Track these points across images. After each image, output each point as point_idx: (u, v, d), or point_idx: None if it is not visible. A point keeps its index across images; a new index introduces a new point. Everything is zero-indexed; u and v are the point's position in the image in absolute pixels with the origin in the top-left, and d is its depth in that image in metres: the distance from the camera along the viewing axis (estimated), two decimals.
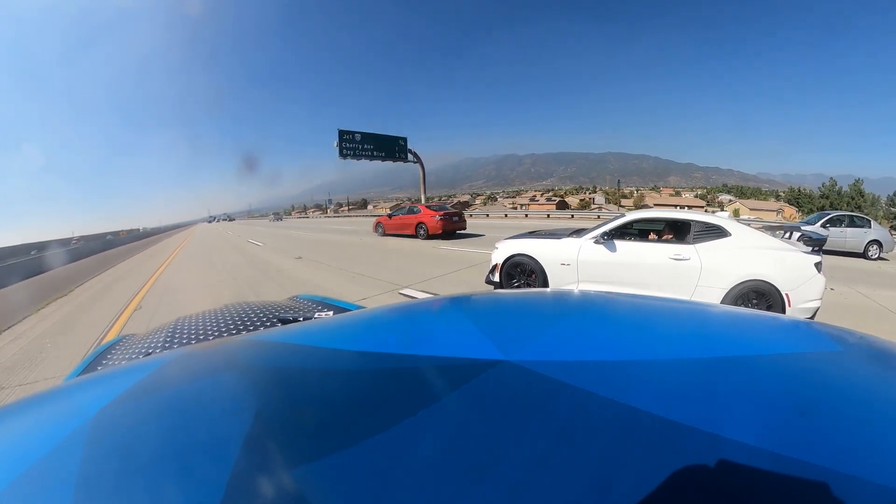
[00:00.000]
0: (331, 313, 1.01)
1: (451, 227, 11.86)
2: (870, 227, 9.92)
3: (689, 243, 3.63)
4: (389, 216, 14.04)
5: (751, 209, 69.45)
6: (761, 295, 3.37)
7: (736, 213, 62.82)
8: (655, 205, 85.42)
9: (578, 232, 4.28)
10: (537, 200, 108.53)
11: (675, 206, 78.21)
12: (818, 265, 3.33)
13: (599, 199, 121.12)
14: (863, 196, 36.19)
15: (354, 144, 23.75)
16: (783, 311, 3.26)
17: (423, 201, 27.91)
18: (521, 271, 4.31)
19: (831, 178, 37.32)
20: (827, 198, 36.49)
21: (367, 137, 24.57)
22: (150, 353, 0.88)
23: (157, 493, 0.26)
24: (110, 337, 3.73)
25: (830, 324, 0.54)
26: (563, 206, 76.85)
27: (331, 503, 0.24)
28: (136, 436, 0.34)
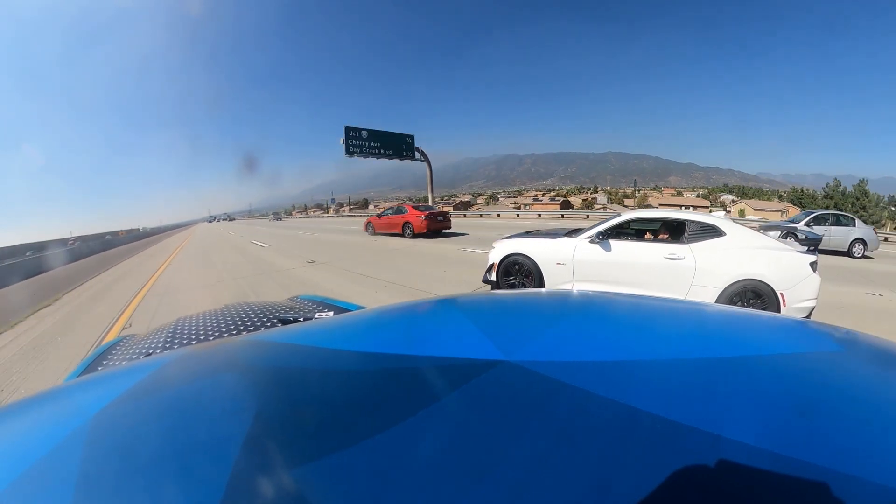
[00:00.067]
0: (331, 314, 1.02)
1: (436, 227, 12.52)
2: (854, 225, 10.05)
3: (683, 243, 3.64)
4: (379, 216, 14.56)
5: (755, 209, 68.88)
6: (756, 294, 3.36)
7: (741, 214, 62.03)
8: (660, 205, 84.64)
9: (574, 232, 4.29)
10: (541, 200, 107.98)
11: (681, 206, 77.47)
12: (813, 265, 3.32)
13: (602, 199, 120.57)
14: (867, 196, 35.51)
15: (361, 142, 23.07)
16: (778, 311, 3.25)
17: (430, 200, 27.19)
18: (518, 270, 4.35)
19: (835, 179, 36.94)
20: (831, 198, 35.95)
21: (374, 135, 23.88)
22: (150, 354, 0.88)
23: (158, 494, 0.26)
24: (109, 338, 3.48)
25: (830, 324, 0.54)
26: (566, 205, 76.33)
27: (331, 503, 0.24)
28: (136, 436, 0.34)
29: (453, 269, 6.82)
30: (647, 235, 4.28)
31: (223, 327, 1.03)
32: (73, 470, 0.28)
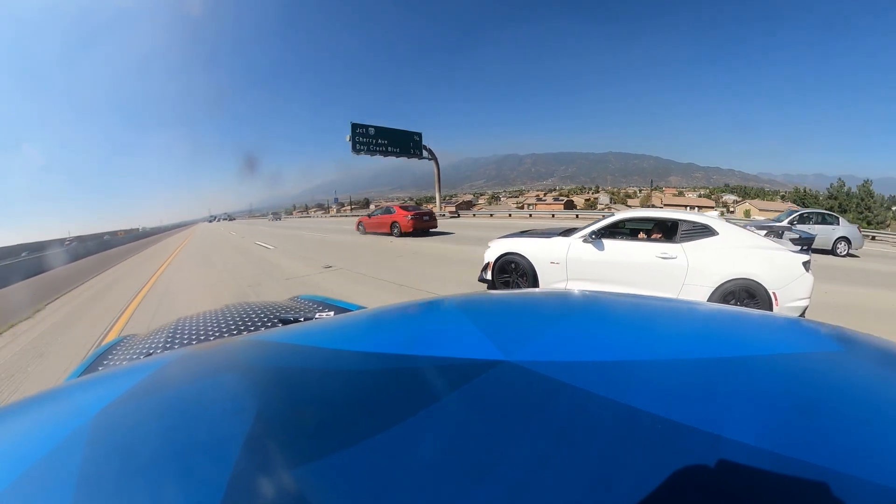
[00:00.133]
0: (331, 314, 1.02)
1: (422, 226, 13.05)
2: (838, 224, 10.24)
3: (676, 242, 3.66)
4: (369, 216, 15.14)
5: (759, 209, 68.17)
6: (749, 293, 3.37)
7: (747, 214, 61.38)
8: (666, 205, 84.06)
9: (569, 231, 4.34)
10: (544, 200, 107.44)
11: (686, 206, 76.84)
12: (806, 264, 3.32)
13: (605, 199, 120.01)
14: (872, 197, 34.90)
15: (368, 139, 22.39)
16: (770, 310, 3.25)
17: (437, 199, 26.51)
18: (512, 269, 4.40)
19: (839, 179, 36.36)
20: (835, 198, 35.46)
21: (381, 132, 23.22)
22: (150, 354, 0.88)
23: (158, 494, 0.26)
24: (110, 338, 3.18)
25: (830, 323, 0.54)
26: (570, 205, 75.95)
27: (331, 503, 0.24)
28: (136, 436, 0.34)
29: (457, 268, 6.65)
30: (641, 235, 4.30)
31: (223, 327, 1.04)
32: (73, 470, 0.28)
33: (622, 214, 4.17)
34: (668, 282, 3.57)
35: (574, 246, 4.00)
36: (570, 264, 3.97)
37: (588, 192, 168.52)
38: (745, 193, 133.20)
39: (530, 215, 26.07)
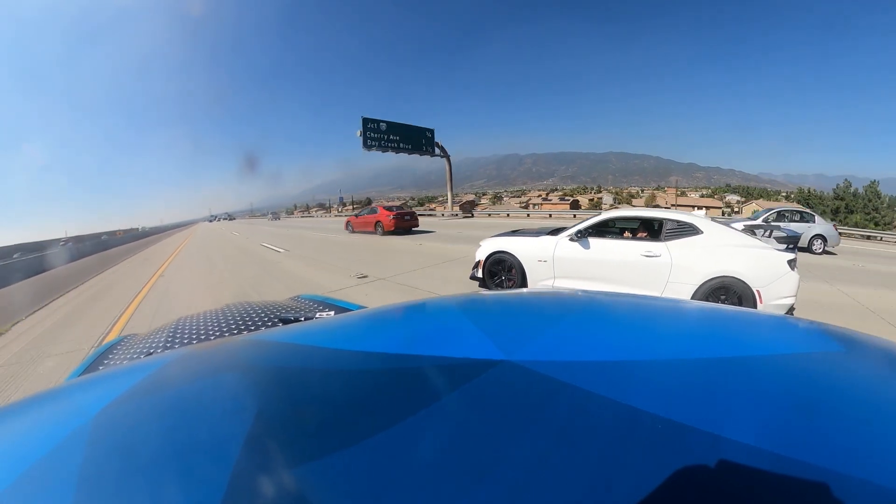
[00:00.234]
0: (332, 313, 1.02)
1: (403, 225, 13.70)
2: (814, 222, 10.42)
3: (660, 241, 3.69)
4: (357, 216, 15.87)
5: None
6: (732, 291, 3.38)
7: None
8: (672, 205, 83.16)
9: (557, 231, 4.37)
10: (549, 200, 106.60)
11: (693, 207, 75.87)
12: (792, 262, 3.33)
13: (608, 199, 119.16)
14: (879, 197, 33.92)
15: (379, 134, 21.35)
16: (754, 307, 3.24)
17: (449, 197, 25.44)
18: (503, 268, 4.48)
19: (846, 180, 35.74)
20: (842, 199, 34.60)
21: (393, 127, 22.20)
22: (151, 353, 0.88)
23: (159, 493, 0.26)
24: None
25: (830, 323, 0.54)
26: (576, 205, 75.52)
27: (331, 503, 0.24)
28: (137, 436, 0.34)
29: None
30: (626, 234, 4.38)
31: (224, 327, 1.03)
32: (73, 470, 0.28)
33: (608, 214, 4.24)
34: (652, 279, 3.61)
35: (561, 244, 4.09)
36: (557, 262, 4.06)
37: (591, 192, 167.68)
38: (747, 193, 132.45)
39: (550, 215, 25.68)
